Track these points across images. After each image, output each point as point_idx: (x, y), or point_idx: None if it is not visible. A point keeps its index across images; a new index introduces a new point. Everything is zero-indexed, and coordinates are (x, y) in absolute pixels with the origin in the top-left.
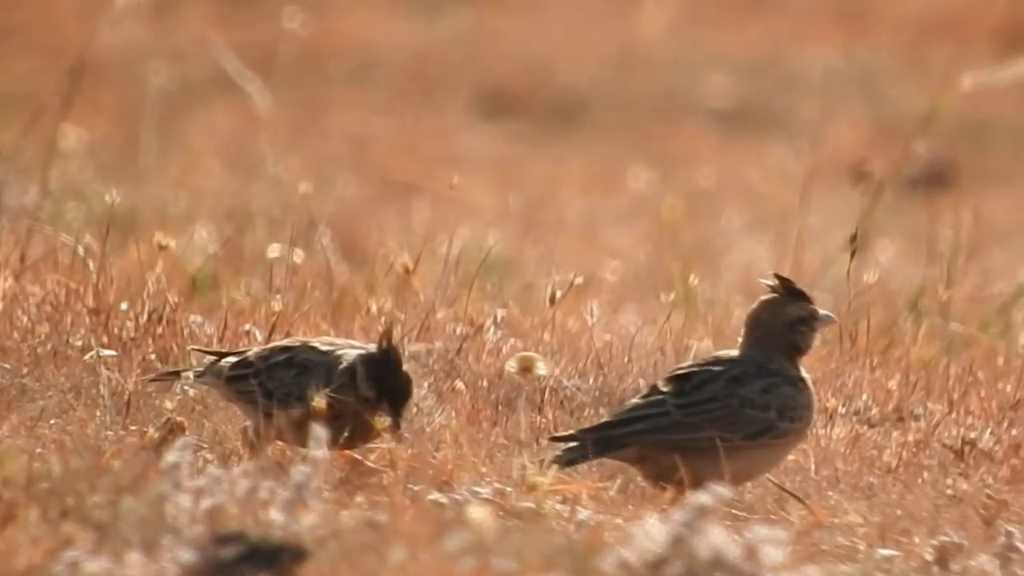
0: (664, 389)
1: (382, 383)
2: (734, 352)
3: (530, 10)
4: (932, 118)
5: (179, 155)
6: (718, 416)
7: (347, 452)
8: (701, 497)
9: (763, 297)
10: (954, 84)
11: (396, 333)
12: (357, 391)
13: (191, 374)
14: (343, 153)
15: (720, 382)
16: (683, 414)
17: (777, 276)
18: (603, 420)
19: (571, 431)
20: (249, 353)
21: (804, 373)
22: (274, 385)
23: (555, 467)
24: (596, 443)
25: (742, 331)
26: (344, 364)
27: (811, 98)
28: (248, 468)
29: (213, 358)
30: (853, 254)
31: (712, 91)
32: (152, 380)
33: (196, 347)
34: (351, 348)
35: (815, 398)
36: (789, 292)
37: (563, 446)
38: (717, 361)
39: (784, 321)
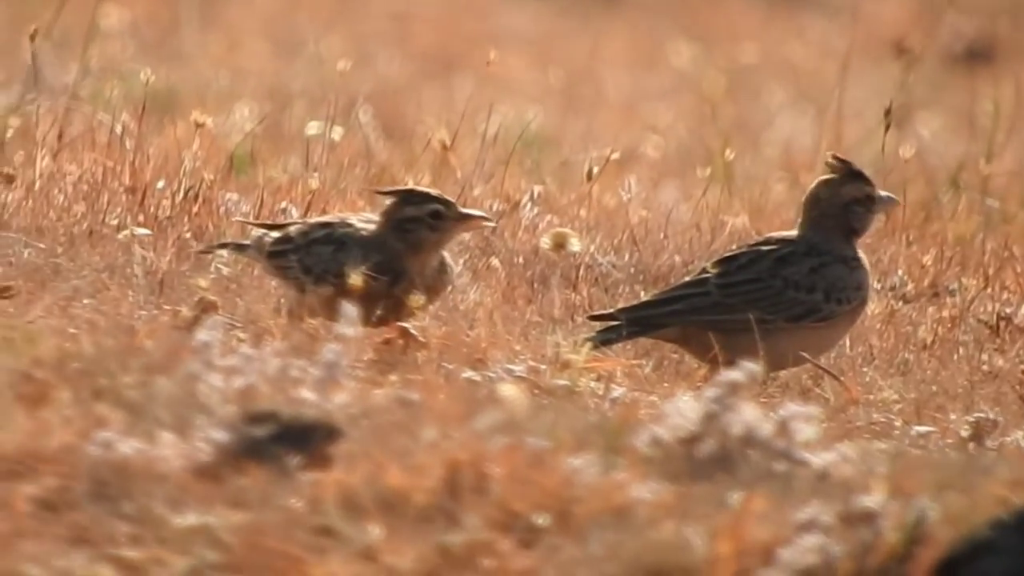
0: (711, 270)
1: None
2: (791, 232)
3: None
4: None
5: (220, 34)
6: (758, 297)
7: (399, 325)
8: (734, 374)
9: (821, 177)
10: None
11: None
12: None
13: (241, 242)
14: (384, 30)
15: (766, 262)
16: (723, 294)
17: (836, 157)
18: (643, 299)
19: (608, 310)
20: (291, 229)
21: (860, 253)
22: (312, 261)
23: (589, 345)
24: (632, 322)
25: (801, 211)
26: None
27: None
28: (280, 347)
29: (260, 231)
30: (888, 128)
31: None
32: (202, 252)
33: (242, 219)
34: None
35: (870, 278)
36: (847, 172)
37: (600, 325)
38: (768, 241)
39: (840, 202)
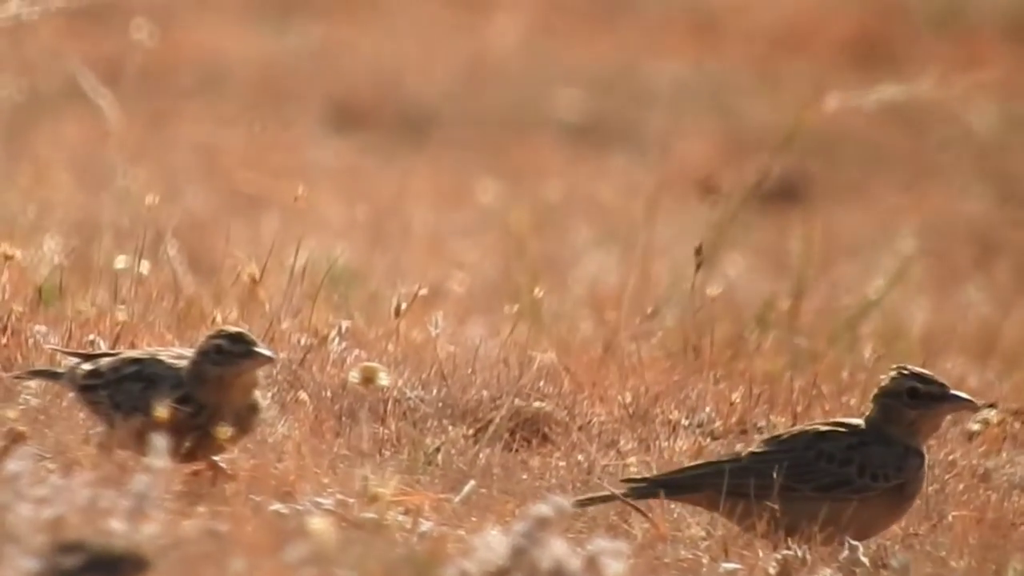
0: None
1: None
2: (856, 420)
3: (380, 22)
4: (793, 137)
5: (28, 166)
6: (788, 465)
7: (210, 460)
8: (541, 508)
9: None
10: (817, 104)
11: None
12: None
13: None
14: (192, 165)
15: (806, 437)
16: (753, 461)
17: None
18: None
19: (644, 475)
20: (102, 363)
21: (920, 447)
22: (122, 398)
23: (396, 479)
24: (663, 484)
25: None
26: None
27: (661, 112)
28: (89, 478)
29: (74, 360)
30: (698, 267)
31: (562, 104)
32: (16, 377)
33: (54, 348)
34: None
35: (922, 469)
36: (910, 373)
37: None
38: (826, 423)
39: (894, 392)
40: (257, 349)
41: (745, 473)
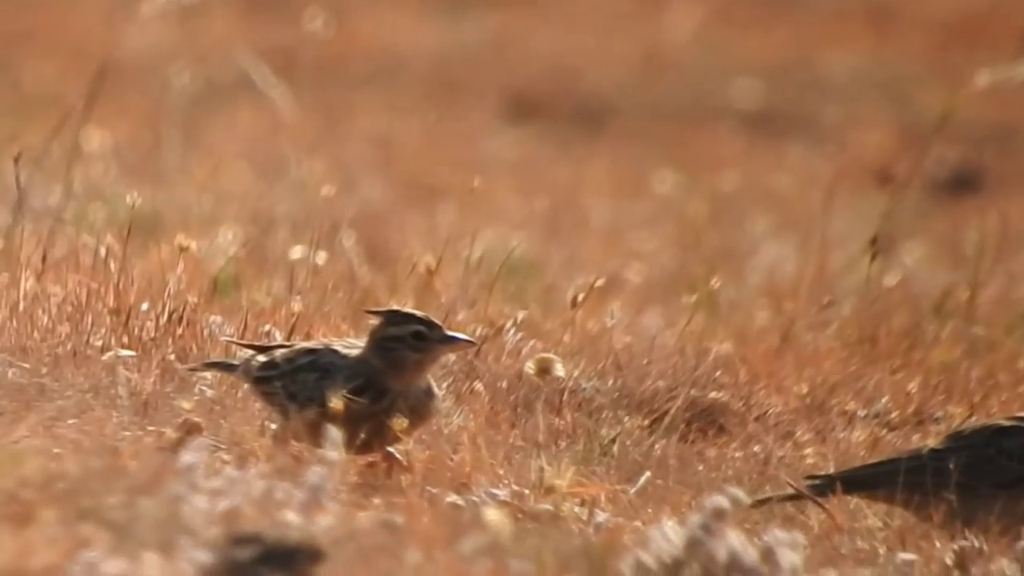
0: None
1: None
2: None
3: (556, 13)
4: (947, 117)
5: (203, 158)
6: (967, 463)
7: (385, 451)
8: (718, 500)
9: None
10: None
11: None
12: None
13: (230, 362)
14: (367, 156)
15: (987, 433)
16: (932, 457)
17: None
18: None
19: (825, 473)
20: (276, 354)
21: None
22: (296, 388)
23: (572, 471)
24: (844, 480)
25: None
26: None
27: (837, 101)
28: (264, 469)
29: (249, 352)
30: (873, 256)
31: (738, 94)
32: (191, 370)
33: (229, 339)
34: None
35: None
36: None
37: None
38: (1009, 417)
39: None
40: (452, 334)
41: (924, 470)
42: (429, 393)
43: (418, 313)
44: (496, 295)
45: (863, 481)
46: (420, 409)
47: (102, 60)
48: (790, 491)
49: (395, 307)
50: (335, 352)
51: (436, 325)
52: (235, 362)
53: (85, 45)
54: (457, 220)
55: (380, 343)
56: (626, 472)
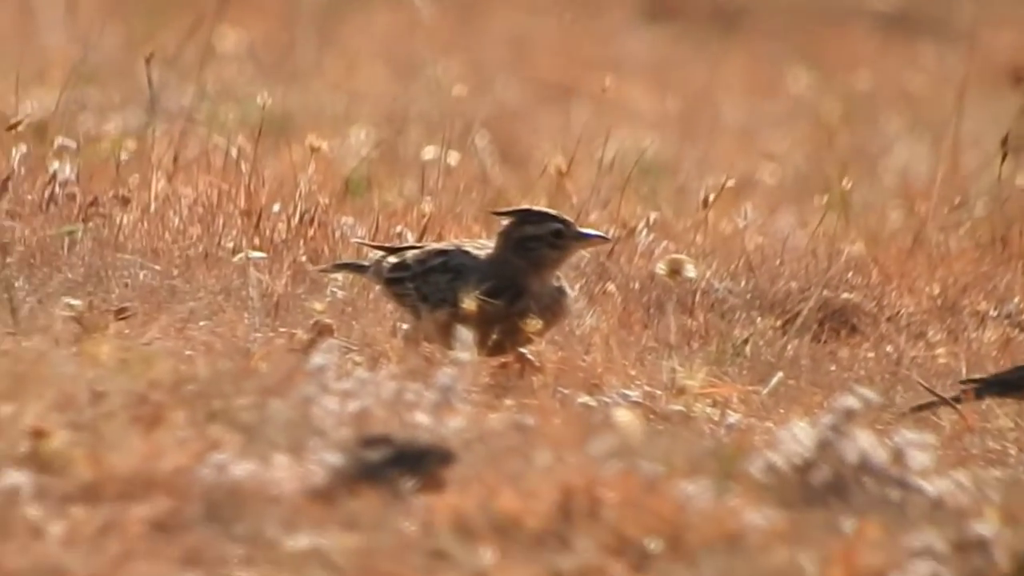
0: None
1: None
2: None
3: None
4: None
5: (336, 58)
6: None
7: (518, 352)
8: (848, 400)
9: None
10: None
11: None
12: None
13: (360, 263)
14: (502, 56)
15: None
16: None
17: None
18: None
19: (981, 376)
20: (408, 255)
21: None
22: (429, 290)
23: (704, 371)
24: (995, 384)
25: None
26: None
27: (973, 1)
28: (395, 371)
29: (380, 254)
30: (1005, 157)
31: None
32: (321, 271)
33: (360, 241)
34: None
35: None
36: None
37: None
38: None
39: None
40: (586, 231)
41: None
42: (562, 292)
43: (552, 211)
44: (628, 196)
45: (1016, 384)
46: (554, 307)
47: None
48: (941, 395)
49: (527, 206)
50: (466, 253)
51: (570, 222)
52: (366, 263)
53: None
54: (590, 121)
55: (518, 243)
56: (758, 373)
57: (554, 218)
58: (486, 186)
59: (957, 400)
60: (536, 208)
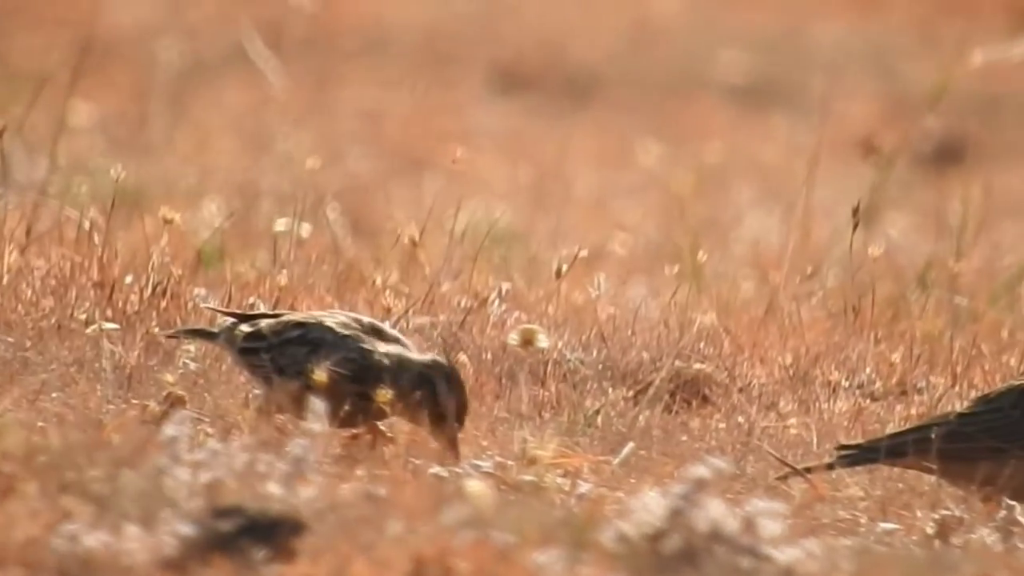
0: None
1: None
2: None
3: None
4: (941, 93)
5: (189, 131)
6: (993, 427)
7: (370, 424)
8: (700, 470)
9: None
10: (965, 59)
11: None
12: (433, 402)
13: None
14: (355, 129)
15: (1013, 395)
16: (960, 424)
17: None
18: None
19: (859, 441)
20: (262, 325)
21: None
22: (285, 361)
23: (555, 442)
24: (872, 450)
25: None
26: (414, 369)
27: (824, 74)
28: (247, 442)
29: (230, 320)
30: (856, 226)
31: (725, 66)
32: (170, 336)
33: (212, 307)
34: (375, 337)
35: None
36: None
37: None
38: None
39: None
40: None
41: (952, 437)
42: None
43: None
44: (481, 266)
45: (892, 449)
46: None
47: (87, 32)
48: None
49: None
50: (326, 327)
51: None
52: (215, 330)
53: (70, 17)
54: (442, 192)
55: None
56: (610, 443)
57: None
58: (338, 257)
59: (808, 470)
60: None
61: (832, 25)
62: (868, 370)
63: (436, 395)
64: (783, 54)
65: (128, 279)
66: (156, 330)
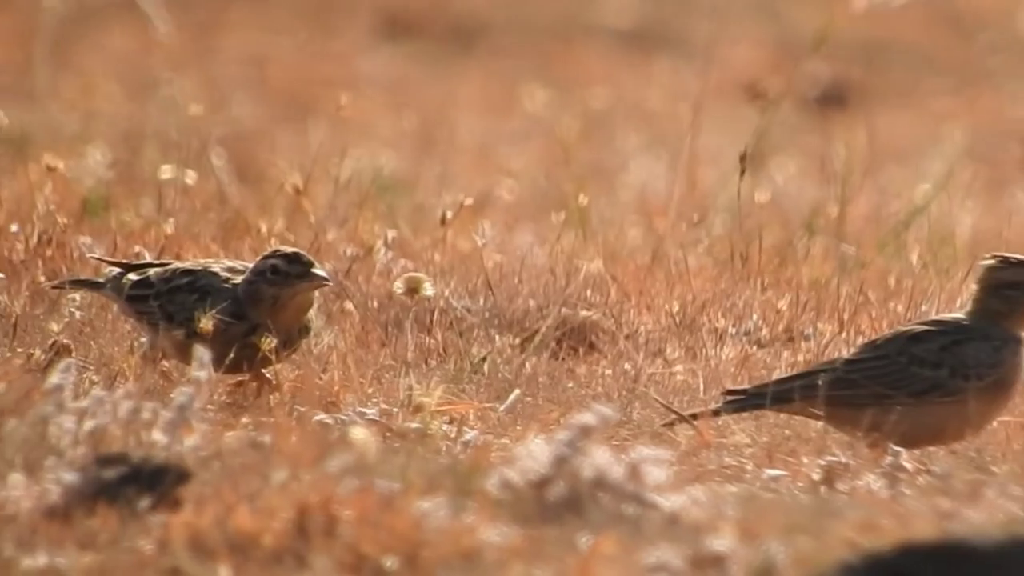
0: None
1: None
2: (957, 315)
3: None
4: (825, 38)
5: (74, 78)
6: (879, 373)
7: (256, 371)
8: (585, 417)
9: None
10: (849, 4)
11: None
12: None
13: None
14: (240, 75)
15: (899, 342)
16: (846, 371)
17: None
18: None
19: (745, 387)
20: (151, 273)
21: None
22: (174, 308)
23: (441, 389)
24: (758, 396)
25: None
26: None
27: (709, 17)
28: (132, 390)
29: (117, 270)
30: (742, 173)
31: (610, 11)
32: (54, 287)
33: (98, 257)
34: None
35: (1018, 356)
36: (1006, 261)
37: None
38: (922, 323)
39: (992, 285)
40: (314, 271)
41: (838, 384)
42: (306, 328)
43: (287, 248)
44: (366, 214)
45: (779, 395)
46: (293, 341)
47: None
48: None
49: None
50: (214, 274)
51: (300, 260)
52: (101, 280)
53: None
54: (327, 139)
55: (252, 275)
56: (496, 390)
57: (281, 255)
58: (224, 205)
59: (695, 417)
60: (283, 248)
61: None
62: (755, 317)
63: None
64: None
65: (13, 228)
66: (42, 279)
